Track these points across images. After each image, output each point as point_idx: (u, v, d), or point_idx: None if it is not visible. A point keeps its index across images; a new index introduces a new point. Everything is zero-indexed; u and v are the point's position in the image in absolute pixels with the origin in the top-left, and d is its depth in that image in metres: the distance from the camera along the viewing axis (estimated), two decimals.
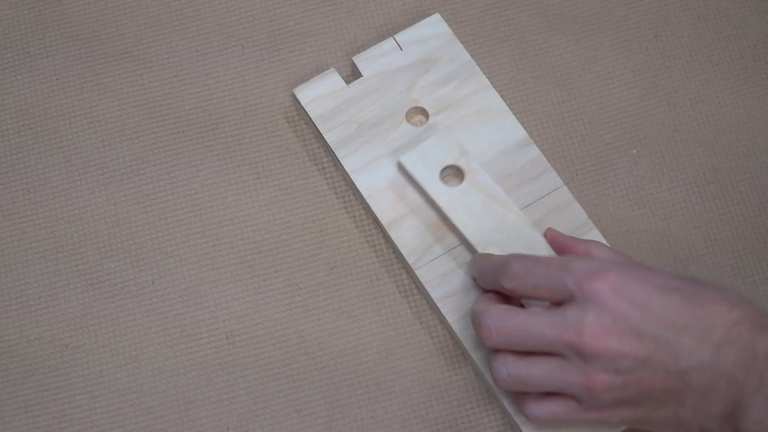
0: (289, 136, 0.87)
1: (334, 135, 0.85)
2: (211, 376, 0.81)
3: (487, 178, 0.81)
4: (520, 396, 0.75)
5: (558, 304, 0.72)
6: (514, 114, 0.86)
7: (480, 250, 0.80)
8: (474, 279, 0.80)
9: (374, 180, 0.84)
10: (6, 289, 0.83)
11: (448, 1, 0.90)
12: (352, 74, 0.88)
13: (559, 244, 0.78)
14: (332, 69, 0.86)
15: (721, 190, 0.86)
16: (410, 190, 0.84)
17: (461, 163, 0.82)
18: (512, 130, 0.85)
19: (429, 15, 0.89)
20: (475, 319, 0.75)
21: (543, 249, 0.79)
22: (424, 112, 0.86)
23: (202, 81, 0.88)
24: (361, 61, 0.87)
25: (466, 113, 0.85)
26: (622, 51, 0.89)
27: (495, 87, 0.87)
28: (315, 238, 0.84)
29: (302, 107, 0.86)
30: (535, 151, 0.84)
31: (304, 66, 0.89)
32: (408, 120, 0.86)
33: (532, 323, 0.72)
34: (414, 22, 0.89)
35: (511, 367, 0.73)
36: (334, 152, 0.85)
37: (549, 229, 0.79)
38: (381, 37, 0.89)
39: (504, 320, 0.73)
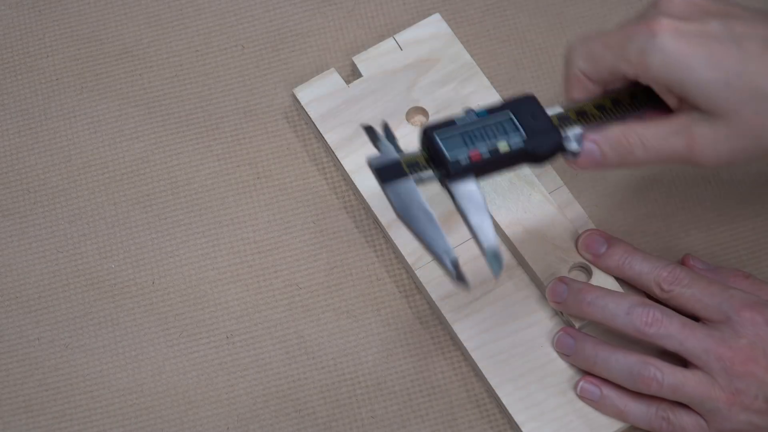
0: (289, 136, 0.87)
1: (334, 135, 0.85)
2: (211, 376, 0.81)
3: None
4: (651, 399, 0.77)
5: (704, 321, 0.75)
6: None
7: (505, 229, 0.81)
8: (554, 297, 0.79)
9: (374, 180, 0.84)
10: (6, 289, 0.83)
11: (448, 1, 0.90)
12: (352, 74, 0.88)
13: (697, 271, 0.80)
14: (332, 69, 0.87)
15: (721, 190, 0.86)
16: None
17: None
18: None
19: (429, 15, 0.89)
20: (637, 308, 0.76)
21: (567, 230, 0.80)
22: (424, 112, 0.86)
23: (202, 81, 0.88)
24: (361, 61, 0.87)
25: None
26: None
27: (495, 87, 0.87)
28: (315, 238, 0.84)
29: (302, 107, 0.86)
30: None
31: (304, 66, 0.89)
32: (408, 120, 0.86)
33: (691, 330, 0.74)
34: (414, 22, 0.89)
35: (667, 375, 0.75)
36: (334, 152, 0.85)
37: (688, 257, 0.81)
38: (381, 37, 0.89)
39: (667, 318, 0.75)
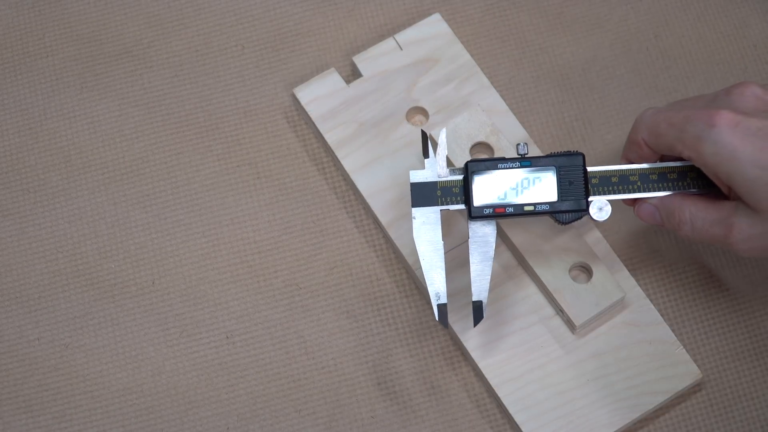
0: (289, 136, 0.87)
1: (334, 135, 0.85)
2: (211, 376, 0.81)
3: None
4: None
5: None
6: (514, 114, 0.86)
7: (506, 229, 0.81)
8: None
9: (374, 180, 0.84)
10: (6, 289, 0.83)
11: (448, 1, 0.90)
12: (352, 74, 0.88)
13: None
14: (332, 69, 0.87)
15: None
16: (409, 190, 0.83)
17: (491, 140, 0.82)
18: (512, 130, 0.85)
19: (429, 15, 0.89)
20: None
21: (567, 230, 0.81)
22: (424, 112, 0.86)
23: (202, 81, 0.88)
24: (361, 61, 0.87)
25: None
26: (623, 51, 0.89)
27: (495, 87, 0.87)
28: (315, 238, 0.84)
29: (302, 107, 0.86)
30: (534, 151, 0.84)
31: (304, 66, 0.89)
32: (408, 120, 0.86)
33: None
34: (414, 22, 0.89)
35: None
36: (334, 152, 0.85)
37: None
38: (381, 37, 0.89)
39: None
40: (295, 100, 0.87)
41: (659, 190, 0.76)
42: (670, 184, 0.76)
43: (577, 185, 0.76)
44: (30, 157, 0.86)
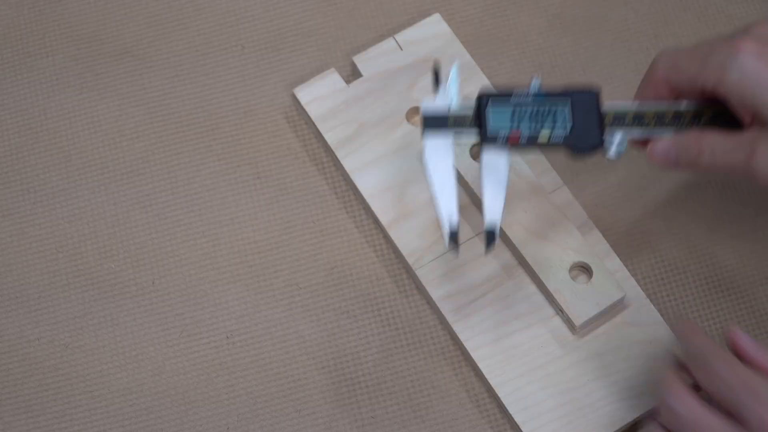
0: (289, 136, 0.87)
1: (334, 135, 0.85)
2: (211, 376, 0.81)
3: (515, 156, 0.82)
4: None
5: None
6: None
7: (506, 229, 0.81)
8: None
9: (374, 180, 0.84)
10: (6, 289, 0.83)
11: (448, 1, 0.90)
12: (353, 74, 0.88)
13: (741, 350, 0.74)
14: (332, 69, 0.87)
15: (721, 190, 0.86)
16: (410, 190, 0.84)
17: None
18: None
19: (429, 15, 0.89)
20: (660, 392, 0.73)
21: (567, 230, 0.81)
22: None
23: (202, 81, 0.88)
24: (361, 61, 0.87)
25: None
26: (623, 51, 0.89)
27: (495, 87, 0.87)
28: (315, 238, 0.84)
29: (302, 107, 0.86)
30: (534, 151, 0.84)
31: (304, 66, 0.89)
32: (408, 120, 0.86)
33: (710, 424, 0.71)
34: (414, 22, 0.89)
35: None
36: (334, 152, 0.85)
37: (732, 331, 0.75)
38: (381, 37, 0.89)
39: (685, 409, 0.72)
40: (295, 100, 0.87)
41: (675, 129, 0.75)
42: (685, 124, 0.75)
43: (591, 119, 0.75)
44: (30, 156, 0.86)
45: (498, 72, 0.89)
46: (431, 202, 0.81)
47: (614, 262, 0.82)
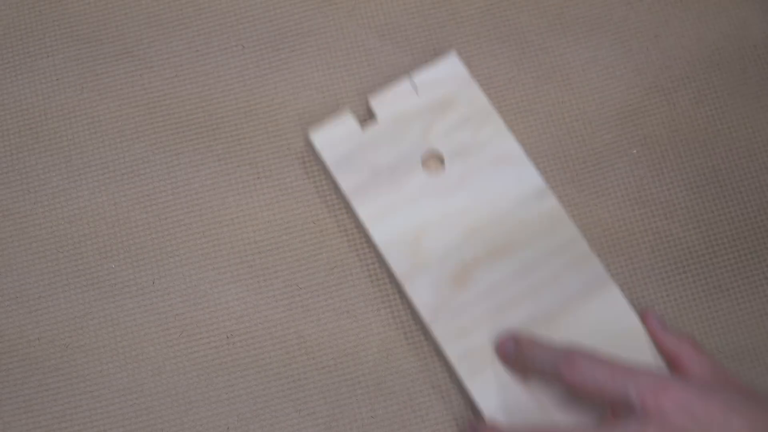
0: (290, 136, 0.87)
1: (348, 181, 0.83)
2: (211, 376, 0.81)
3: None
4: None
5: (614, 407, 0.72)
6: (513, 118, 0.86)
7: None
8: (503, 352, 0.78)
9: (389, 229, 0.82)
10: (6, 289, 0.83)
11: (449, 0, 0.90)
12: (368, 115, 0.86)
13: (652, 332, 0.78)
14: (347, 111, 0.85)
15: (721, 190, 0.86)
16: (426, 240, 0.82)
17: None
18: (529, 178, 0.83)
19: (429, 14, 0.89)
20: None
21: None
22: (440, 158, 0.84)
23: (203, 81, 0.88)
24: (376, 103, 0.85)
25: (482, 159, 0.83)
26: (623, 51, 0.89)
27: (495, 87, 0.87)
28: (315, 238, 0.84)
29: (316, 151, 0.84)
30: (552, 201, 0.82)
31: (304, 66, 0.89)
32: (424, 166, 0.84)
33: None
34: (415, 21, 0.89)
35: None
36: (348, 199, 0.83)
37: (649, 312, 0.79)
38: (381, 36, 0.89)
39: None
40: (308, 143, 0.85)
41: None
42: None
43: None
44: (30, 156, 0.86)
45: (498, 72, 0.89)
46: (448, 251, 0.81)
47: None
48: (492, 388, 0.79)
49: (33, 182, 0.86)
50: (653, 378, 0.72)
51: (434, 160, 0.84)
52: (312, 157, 0.87)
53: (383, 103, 0.85)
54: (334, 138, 0.84)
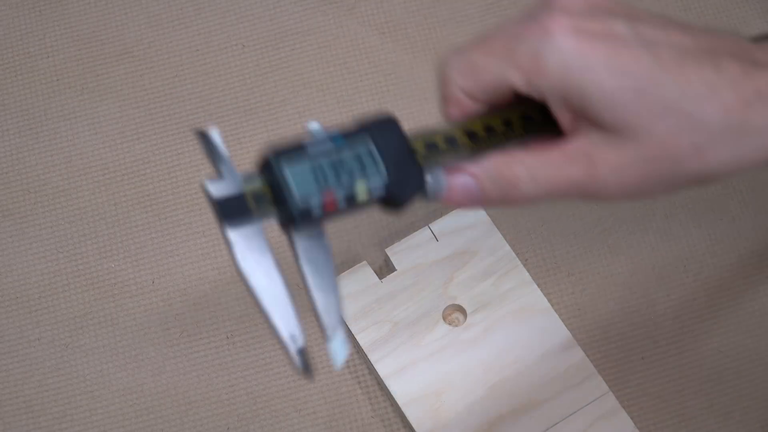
0: (290, 135, 0.87)
1: (366, 336, 0.80)
2: (211, 376, 0.81)
3: None
4: None
5: None
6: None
7: None
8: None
9: (410, 386, 0.79)
10: (6, 289, 0.83)
11: (449, 1, 0.90)
12: (385, 265, 0.84)
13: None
14: (364, 262, 0.82)
15: (721, 190, 0.86)
16: (448, 397, 0.78)
17: None
18: (555, 330, 0.80)
19: (430, 13, 0.89)
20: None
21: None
22: (461, 310, 0.81)
23: (203, 81, 0.88)
24: (394, 253, 0.82)
25: (506, 311, 0.80)
26: None
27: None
28: None
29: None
30: (579, 354, 0.79)
31: (304, 65, 0.89)
32: (444, 319, 0.81)
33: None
34: (415, 19, 0.89)
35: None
36: (366, 355, 0.80)
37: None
38: (380, 35, 0.89)
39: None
40: None
41: (506, 143, 0.60)
42: (503, 140, 0.60)
43: (402, 156, 0.57)
44: (31, 157, 0.86)
45: None
46: (471, 409, 0.78)
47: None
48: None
49: (33, 182, 0.86)
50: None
51: (456, 312, 0.81)
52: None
53: (401, 253, 0.82)
54: (351, 290, 0.81)
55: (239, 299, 0.83)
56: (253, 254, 0.58)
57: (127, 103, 0.88)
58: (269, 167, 0.57)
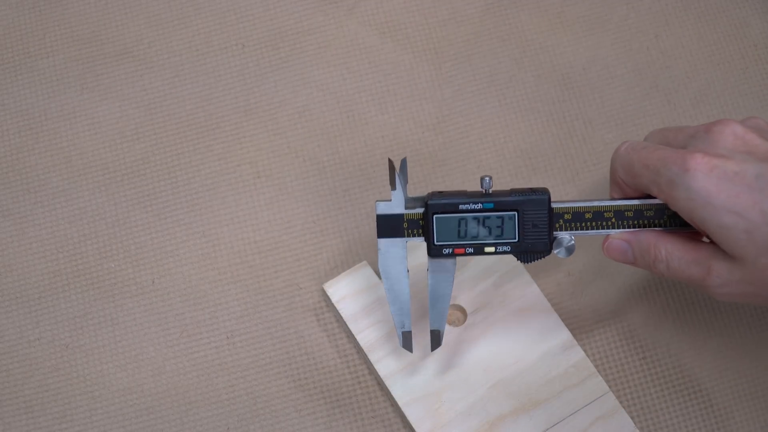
0: (290, 135, 0.87)
1: (366, 336, 0.80)
2: (211, 376, 0.81)
3: None
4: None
5: None
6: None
7: None
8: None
9: (410, 386, 0.79)
10: (6, 289, 0.83)
11: (449, 0, 0.90)
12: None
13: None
14: (364, 262, 0.82)
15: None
16: (448, 397, 0.79)
17: None
18: (555, 330, 0.80)
19: (430, 13, 0.89)
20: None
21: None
22: (462, 310, 0.81)
23: (203, 81, 0.88)
24: None
25: (506, 311, 0.81)
26: (623, 51, 0.89)
27: (494, 86, 0.87)
28: (315, 238, 0.84)
29: (332, 303, 0.82)
30: (579, 354, 0.80)
31: (304, 64, 0.89)
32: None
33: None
34: (415, 19, 0.89)
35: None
36: (366, 355, 0.80)
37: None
38: (381, 35, 0.89)
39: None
40: (324, 295, 0.83)
41: (634, 227, 0.74)
42: (646, 222, 0.74)
43: (540, 225, 0.74)
44: (31, 157, 0.86)
45: (498, 71, 0.89)
46: (471, 409, 0.78)
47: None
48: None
49: (33, 182, 0.86)
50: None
51: (457, 312, 0.81)
52: (313, 159, 0.87)
53: None
54: (351, 290, 0.82)
55: (239, 299, 0.83)
56: (393, 261, 0.76)
57: (127, 104, 0.88)
58: (426, 211, 0.75)
